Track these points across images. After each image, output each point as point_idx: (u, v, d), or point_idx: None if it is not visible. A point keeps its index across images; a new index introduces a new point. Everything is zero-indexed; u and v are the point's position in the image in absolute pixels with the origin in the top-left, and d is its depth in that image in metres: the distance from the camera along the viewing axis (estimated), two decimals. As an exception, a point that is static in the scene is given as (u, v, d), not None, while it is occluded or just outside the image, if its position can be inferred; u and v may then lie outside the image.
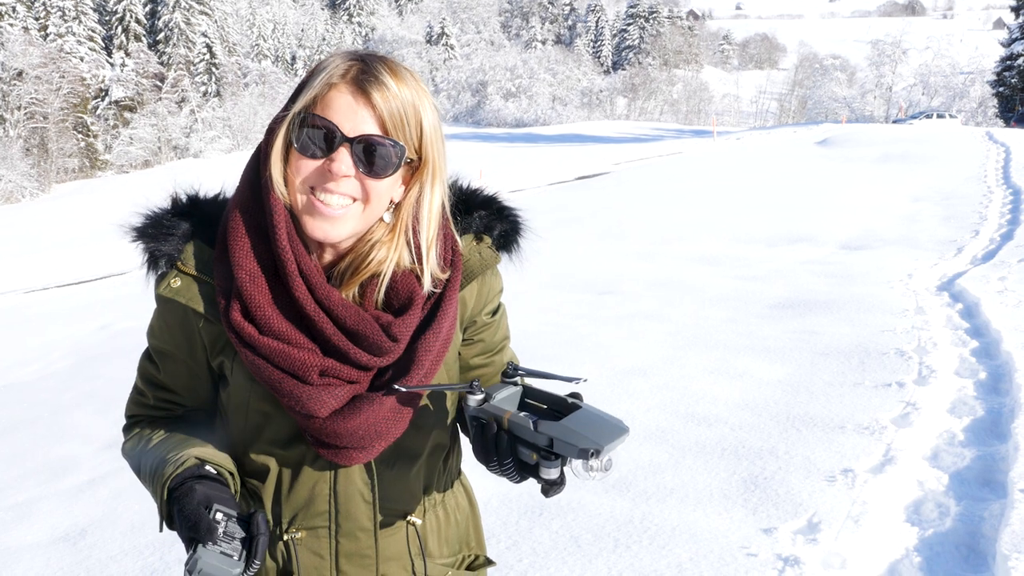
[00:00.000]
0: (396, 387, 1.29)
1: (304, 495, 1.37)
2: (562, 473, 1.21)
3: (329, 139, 1.23)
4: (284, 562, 1.40)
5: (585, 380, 1.27)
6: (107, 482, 4.73)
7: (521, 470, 1.23)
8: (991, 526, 3.32)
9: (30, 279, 18.59)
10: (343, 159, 1.22)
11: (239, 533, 1.23)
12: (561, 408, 1.25)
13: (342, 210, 1.25)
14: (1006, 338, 5.58)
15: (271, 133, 1.29)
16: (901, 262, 8.86)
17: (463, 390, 1.28)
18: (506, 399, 1.27)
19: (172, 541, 3.88)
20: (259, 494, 1.40)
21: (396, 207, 1.32)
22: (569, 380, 1.27)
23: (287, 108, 1.28)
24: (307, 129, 1.23)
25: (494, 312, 1.49)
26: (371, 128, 1.23)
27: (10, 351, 10.24)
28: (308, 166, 1.24)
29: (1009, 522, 3.24)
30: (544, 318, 7.31)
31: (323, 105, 1.23)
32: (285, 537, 1.39)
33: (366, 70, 1.24)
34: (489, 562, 1.58)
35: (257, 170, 1.32)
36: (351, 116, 1.22)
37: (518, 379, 1.31)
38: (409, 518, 1.42)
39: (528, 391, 1.31)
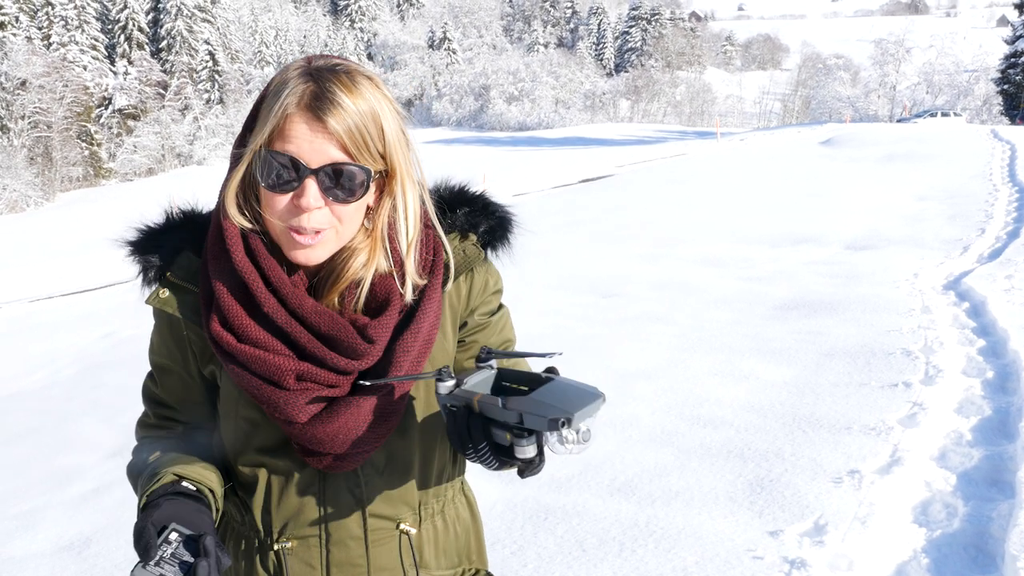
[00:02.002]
0: (362, 383, 1.27)
1: (294, 504, 1.37)
2: (540, 451, 1.15)
3: (293, 173, 1.20)
4: (275, 572, 1.39)
5: (560, 354, 1.22)
6: (112, 491, 4.73)
7: (497, 454, 1.18)
8: (999, 526, 3.30)
9: (35, 288, 18.64)
10: (310, 192, 1.20)
11: (189, 557, 1.18)
12: (537, 385, 1.20)
13: (319, 237, 1.24)
14: (1013, 337, 5.54)
15: (234, 160, 1.28)
16: (907, 261, 8.82)
17: (431, 378, 1.23)
18: (479, 383, 1.22)
19: (177, 549, 3.87)
20: (249, 504, 1.39)
21: (371, 212, 1.31)
22: (543, 355, 1.22)
23: (245, 131, 1.27)
24: (270, 165, 1.21)
25: (491, 313, 1.46)
26: (333, 153, 1.20)
27: (15, 360, 10.27)
28: (279, 201, 1.22)
29: (1017, 522, 3.21)
30: (548, 320, 7.30)
31: (281, 138, 1.20)
32: (276, 547, 1.38)
33: (319, 94, 1.20)
34: None
35: None
36: (310, 145, 1.20)
37: (492, 362, 1.25)
38: (401, 527, 1.40)
39: (503, 373, 1.25)
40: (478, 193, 1.47)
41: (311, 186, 1.20)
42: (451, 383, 1.20)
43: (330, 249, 1.27)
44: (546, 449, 1.14)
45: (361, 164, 1.22)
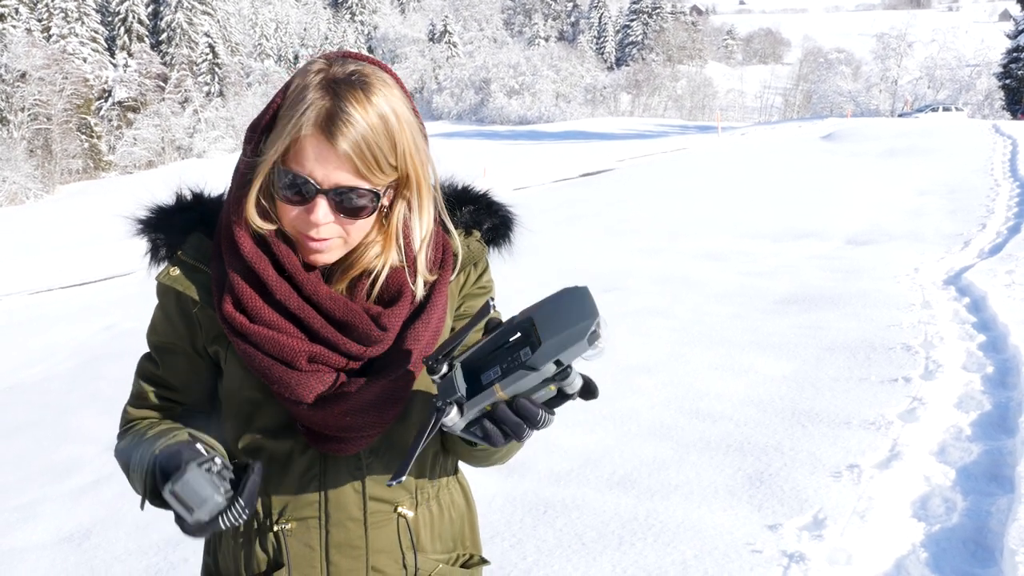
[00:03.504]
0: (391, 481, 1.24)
1: (293, 485, 1.39)
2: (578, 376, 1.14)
3: (305, 190, 1.24)
4: (274, 554, 1.41)
5: (492, 298, 1.18)
6: (111, 483, 4.73)
7: (551, 409, 1.15)
8: (998, 521, 3.30)
9: (34, 280, 18.61)
10: (320, 208, 1.24)
11: (228, 480, 1.19)
12: (506, 337, 1.15)
13: (328, 243, 1.29)
14: (1013, 332, 5.54)
15: (249, 165, 1.29)
16: (907, 256, 8.82)
17: (434, 425, 1.16)
18: (460, 384, 1.16)
19: (177, 541, 3.88)
20: None
21: (388, 212, 1.34)
22: (480, 319, 1.18)
23: (263, 130, 1.28)
24: (284, 181, 1.25)
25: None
26: (343, 175, 1.23)
27: (14, 352, 10.26)
28: (291, 211, 1.27)
29: (1016, 517, 3.21)
30: (548, 315, 7.28)
31: (295, 156, 1.23)
32: (275, 528, 1.40)
33: (333, 113, 1.21)
34: (484, 561, 1.58)
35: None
36: (323, 164, 1.23)
37: (442, 367, 1.18)
38: (399, 510, 1.43)
39: (464, 362, 1.20)
40: (482, 192, 1.51)
41: (321, 204, 1.24)
42: (455, 410, 1.15)
43: (338, 254, 1.31)
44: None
45: (370, 185, 1.25)
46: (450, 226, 1.41)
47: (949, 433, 4.21)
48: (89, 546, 3.99)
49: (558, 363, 1.09)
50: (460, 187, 1.50)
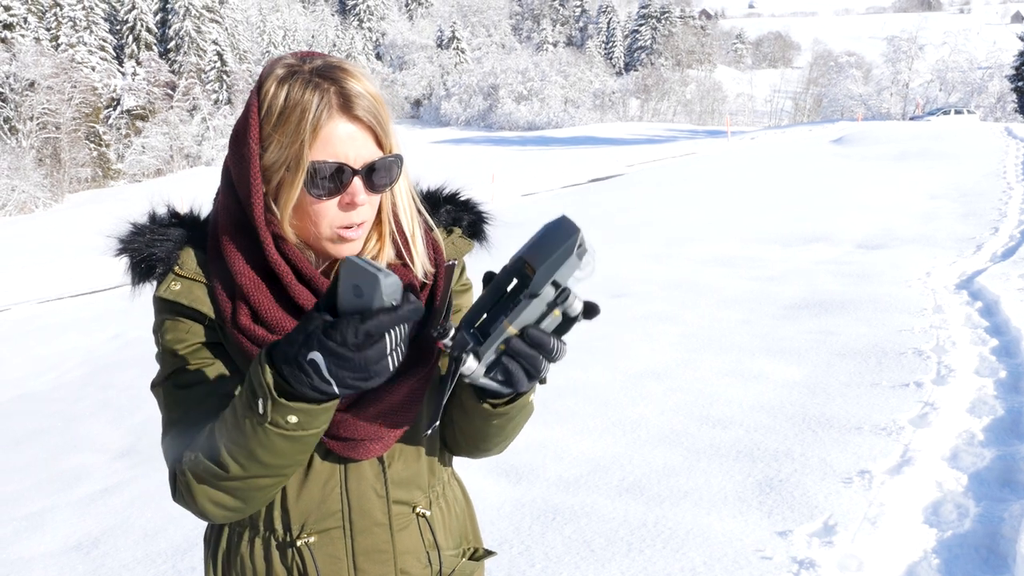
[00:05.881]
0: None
1: (315, 497, 1.37)
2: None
3: (341, 177, 1.25)
4: (299, 569, 1.38)
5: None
6: (120, 491, 4.73)
7: (561, 337, 1.17)
8: (1011, 527, 3.27)
9: (43, 289, 18.72)
10: (357, 191, 1.26)
11: None
12: (504, 286, 1.16)
13: (364, 228, 1.31)
14: (1025, 336, 5.51)
15: (248, 163, 1.27)
16: (919, 261, 8.77)
17: (454, 375, 1.16)
18: (465, 323, 1.16)
19: (185, 548, 3.87)
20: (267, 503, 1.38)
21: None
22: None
23: (245, 148, 1.27)
24: (320, 177, 1.25)
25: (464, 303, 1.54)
26: (371, 149, 1.27)
27: (24, 361, 10.30)
28: (328, 207, 1.27)
29: (1030, 523, 3.18)
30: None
31: (323, 147, 1.24)
32: (298, 543, 1.38)
33: (343, 92, 1.24)
34: (489, 552, 1.60)
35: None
36: (352, 145, 1.25)
37: (450, 331, 1.15)
38: (418, 510, 1.44)
39: (466, 320, 1.18)
40: (454, 192, 1.55)
41: (358, 184, 1.26)
42: (471, 359, 1.14)
43: (366, 234, 1.33)
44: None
45: (391, 152, 1.30)
46: (432, 224, 1.44)
47: (961, 438, 4.18)
48: (97, 554, 3.99)
49: (555, 284, 1.12)
50: (430, 190, 1.53)
